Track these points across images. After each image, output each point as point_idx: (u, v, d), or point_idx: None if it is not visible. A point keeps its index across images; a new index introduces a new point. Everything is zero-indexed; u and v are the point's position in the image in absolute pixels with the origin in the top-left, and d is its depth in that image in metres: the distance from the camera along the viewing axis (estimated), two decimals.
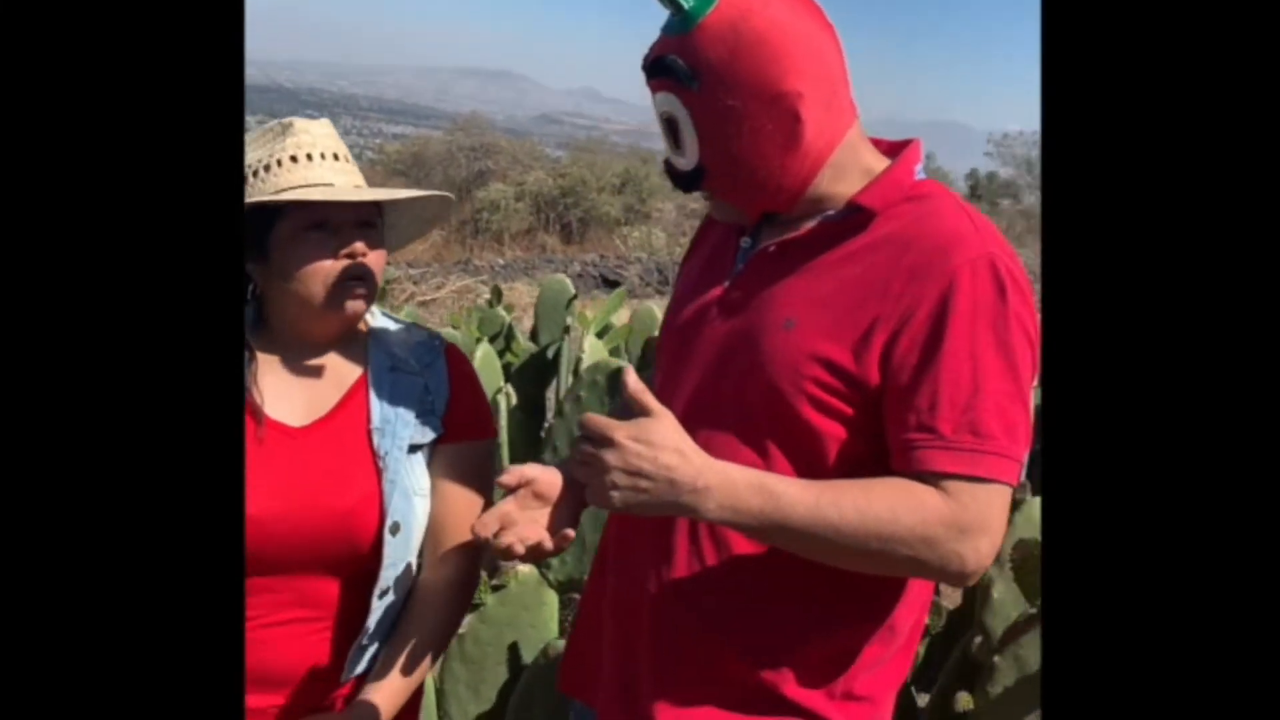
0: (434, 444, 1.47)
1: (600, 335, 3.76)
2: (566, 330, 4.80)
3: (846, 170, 1.27)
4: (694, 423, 1.24)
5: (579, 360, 3.55)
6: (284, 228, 1.39)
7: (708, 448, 1.18)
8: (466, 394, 1.51)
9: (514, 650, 2.08)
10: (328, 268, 1.39)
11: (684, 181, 1.32)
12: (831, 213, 1.27)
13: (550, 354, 4.85)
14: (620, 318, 6.47)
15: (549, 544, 1.31)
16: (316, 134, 1.43)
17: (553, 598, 2.08)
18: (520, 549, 1.29)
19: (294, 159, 1.40)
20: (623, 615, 1.34)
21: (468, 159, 24.04)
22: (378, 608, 1.41)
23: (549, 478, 1.37)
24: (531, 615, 2.06)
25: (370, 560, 1.40)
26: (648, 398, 1.16)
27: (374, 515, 1.39)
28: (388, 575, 1.40)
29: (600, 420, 1.14)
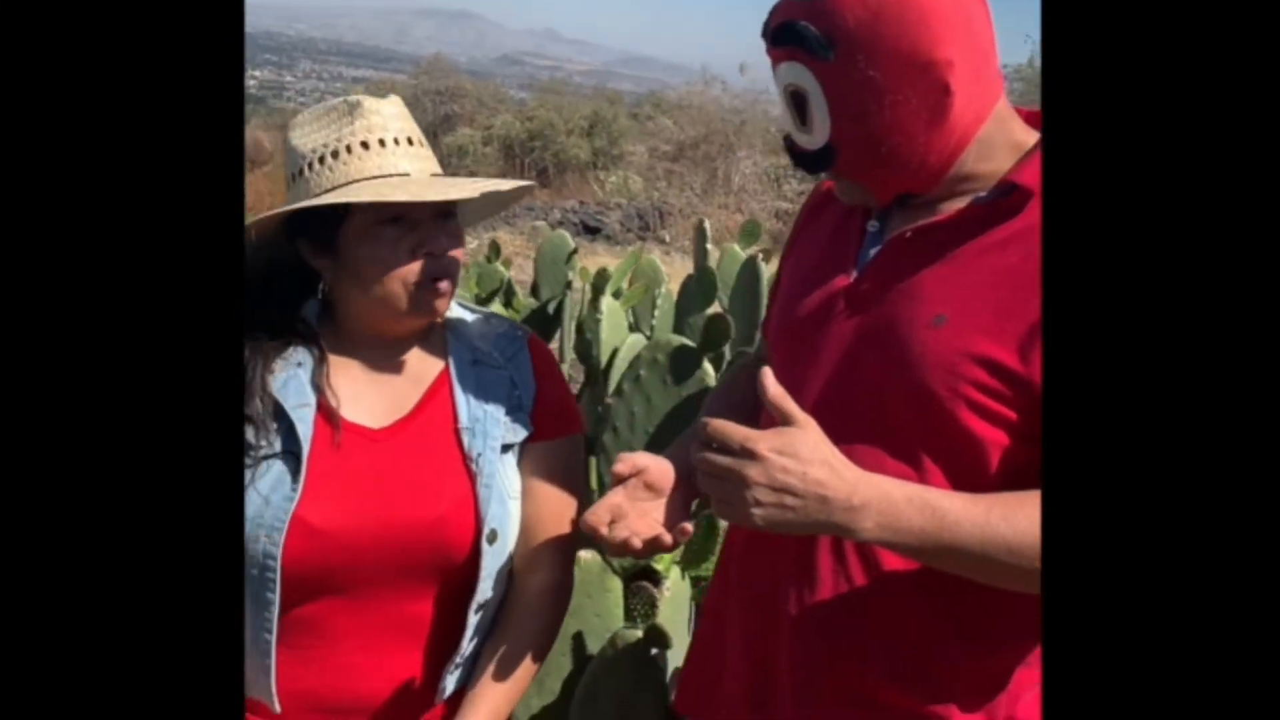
0: (523, 443, 1.34)
1: (615, 295, 3.61)
2: (568, 285, 4.69)
3: (995, 146, 1.14)
4: (833, 430, 1.11)
5: (598, 321, 3.41)
6: (356, 223, 1.25)
7: (851, 458, 1.07)
8: (552, 387, 1.39)
9: (578, 640, 1.96)
10: (407, 267, 1.25)
11: (810, 162, 1.18)
12: (981, 194, 1.14)
13: (551, 309, 4.73)
14: (598, 265, 6.34)
15: (667, 539, 1.21)
16: (387, 115, 1.28)
17: (617, 584, 1.96)
18: (637, 543, 1.19)
19: (365, 145, 1.26)
20: (755, 636, 1.23)
21: (433, 103, 23.69)
22: (473, 623, 1.29)
23: (660, 468, 1.26)
24: (595, 603, 1.94)
25: (464, 571, 1.28)
26: (790, 404, 1.04)
27: (468, 523, 1.27)
28: (485, 588, 1.28)
29: (737, 429, 1.01)
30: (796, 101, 1.15)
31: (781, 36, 1.13)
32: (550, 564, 1.34)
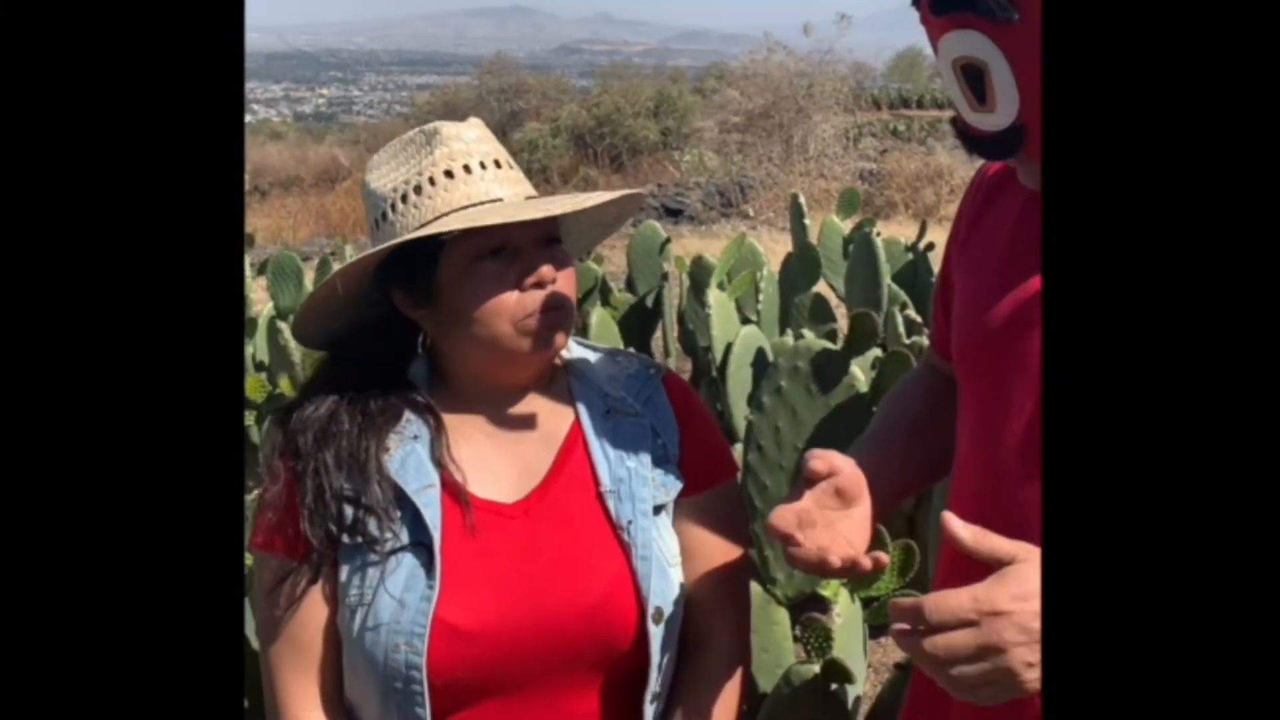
0: (676, 498, 1.16)
1: (720, 286, 3.41)
2: (665, 277, 4.51)
3: None
4: (1035, 467, 0.96)
5: (707, 317, 3.22)
6: (452, 260, 1.09)
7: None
8: (699, 428, 1.20)
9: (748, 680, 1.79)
10: (514, 301, 1.09)
11: (992, 146, 0.98)
12: None
13: (650, 302, 4.56)
14: (686, 249, 6.11)
15: (866, 564, 1.04)
16: (470, 140, 1.12)
17: (783, 615, 1.78)
18: (835, 562, 1.02)
19: (449, 174, 1.10)
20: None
21: (498, 101, 23.85)
22: (650, 713, 1.11)
23: (856, 474, 1.09)
24: (761, 637, 1.76)
25: (632, 658, 1.10)
26: (994, 540, 0.86)
27: (630, 602, 1.09)
28: (660, 676, 1.10)
29: (956, 597, 0.82)
30: (972, 76, 0.95)
31: (946, 2, 0.93)
32: (730, 630, 1.16)
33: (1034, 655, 0.81)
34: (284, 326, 3.79)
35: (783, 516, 1.03)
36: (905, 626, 0.86)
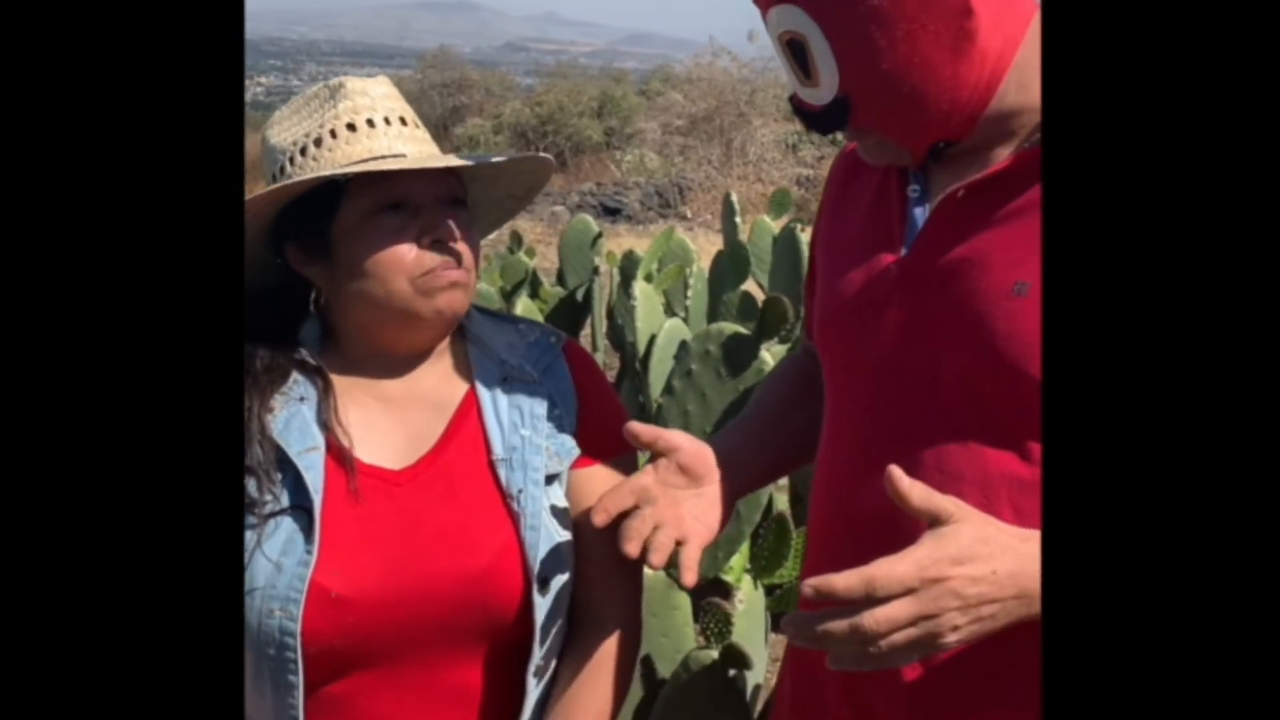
0: (571, 468, 1.14)
1: (647, 279, 3.41)
2: (595, 271, 4.50)
3: (1037, 71, 0.94)
4: (914, 435, 0.97)
5: (632, 308, 3.21)
6: (349, 212, 1.06)
7: (943, 466, 0.93)
8: (598, 399, 1.19)
9: (647, 664, 1.78)
10: (411, 257, 1.06)
11: (822, 120, 0.99)
12: (1036, 133, 0.96)
13: (580, 296, 4.55)
14: (621, 246, 6.12)
15: (694, 547, 1.03)
16: (375, 95, 1.10)
17: (685, 600, 1.78)
18: (658, 559, 1.01)
19: (351, 127, 1.07)
20: (855, 679, 1.04)
21: (441, 96, 23.65)
22: (534, 687, 1.09)
23: (699, 450, 1.08)
24: (662, 622, 1.76)
25: (516, 629, 1.08)
26: (937, 499, 0.85)
27: (515, 572, 1.07)
28: (542, 649, 1.09)
29: (896, 566, 0.81)
30: (795, 51, 0.97)
31: None
32: (619, 602, 1.15)
33: (962, 618, 0.82)
34: None
35: (615, 494, 1.03)
36: (794, 621, 0.86)
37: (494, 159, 1.11)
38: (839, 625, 0.82)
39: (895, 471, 0.85)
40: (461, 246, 1.08)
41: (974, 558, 0.82)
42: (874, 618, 0.81)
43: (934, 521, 0.84)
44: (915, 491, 0.84)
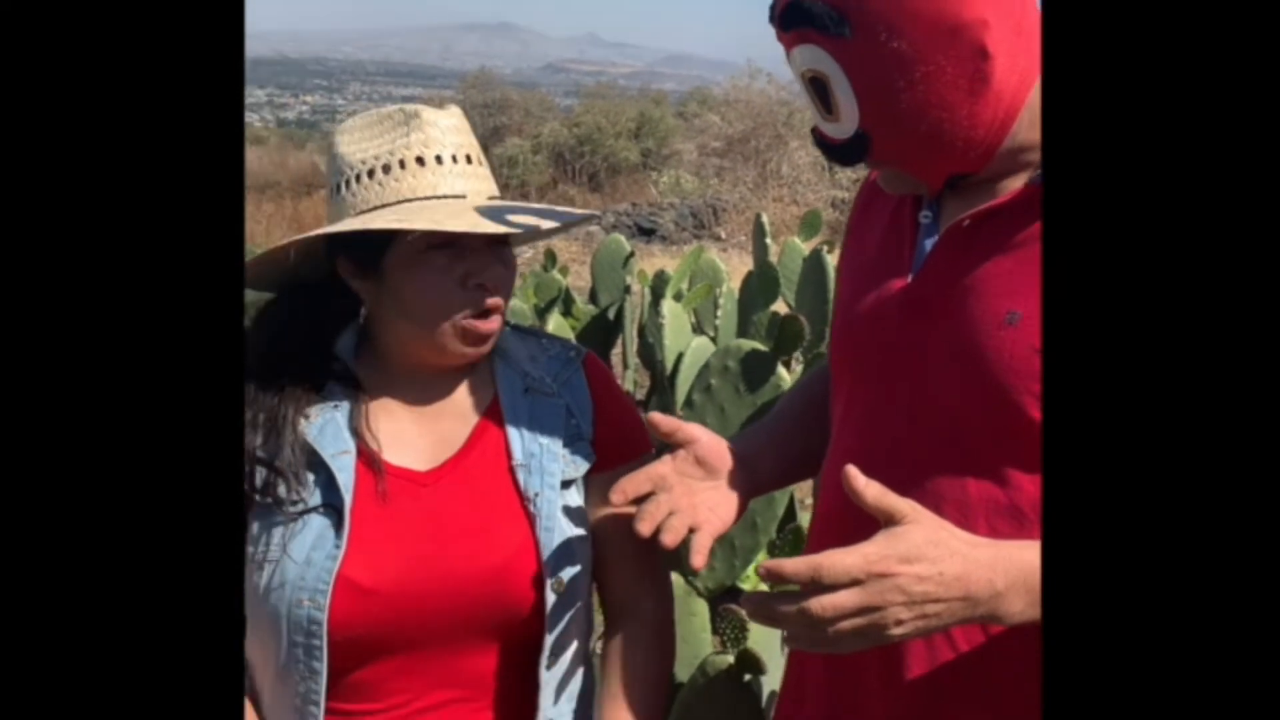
0: (587, 475, 1.21)
1: (676, 297, 3.48)
2: (627, 290, 4.57)
3: None
4: (904, 453, 1.01)
5: (661, 326, 3.28)
6: (403, 244, 1.12)
7: (926, 484, 0.96)
8: (613, 409, 1.26)
9: None
10: (454, 297, 1.13)
11: (842, 153, 1.04)
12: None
13: (611, 315, 4.62)
14: (655, 266, 6.19)
15: (705, 535, 1.06)
16: (445, 129, 1.15)
17: (702, 607, 1.83)
18: (669, 540, 1.05)
19: (420, 161, 1.13)
20: (838, 673, 1.09)
21: (481, 116, 23.85)
22: (548, 680, 1.16)
23: (715, 444, 1.13)
24: (680, 628, 1.81)
25: (531, 623, 1.15)
26: (891, 499, 0.90)
27: (530, 570, 1.14)
28: (554, 641, 1.16)
29: (845, 557, 0.86)
30: (817, 88, 1.01)
31: (790, 18, 0.99)
32: (652, 599, 1.23)
33: (907, 613, 0.86)
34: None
35: (632, 480, 1.07)
36: (760, 592, 0.91)
37: (542, 225, 1.15)
38: (789, 607, 0.87)
39: (851, 470, 0.90)
40: (501, 290, 1.15)
41: (922, 558, 0.86)
42: (820, 603, 0.86)
43: (888, 521, 0.89)
44: (870, 490, 0.89)
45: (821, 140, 1.06)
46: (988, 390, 0.96)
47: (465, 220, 1.08)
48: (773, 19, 1.02)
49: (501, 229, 1.09)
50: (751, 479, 1.15)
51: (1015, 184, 1.01)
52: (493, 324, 1.15)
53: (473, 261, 1.13)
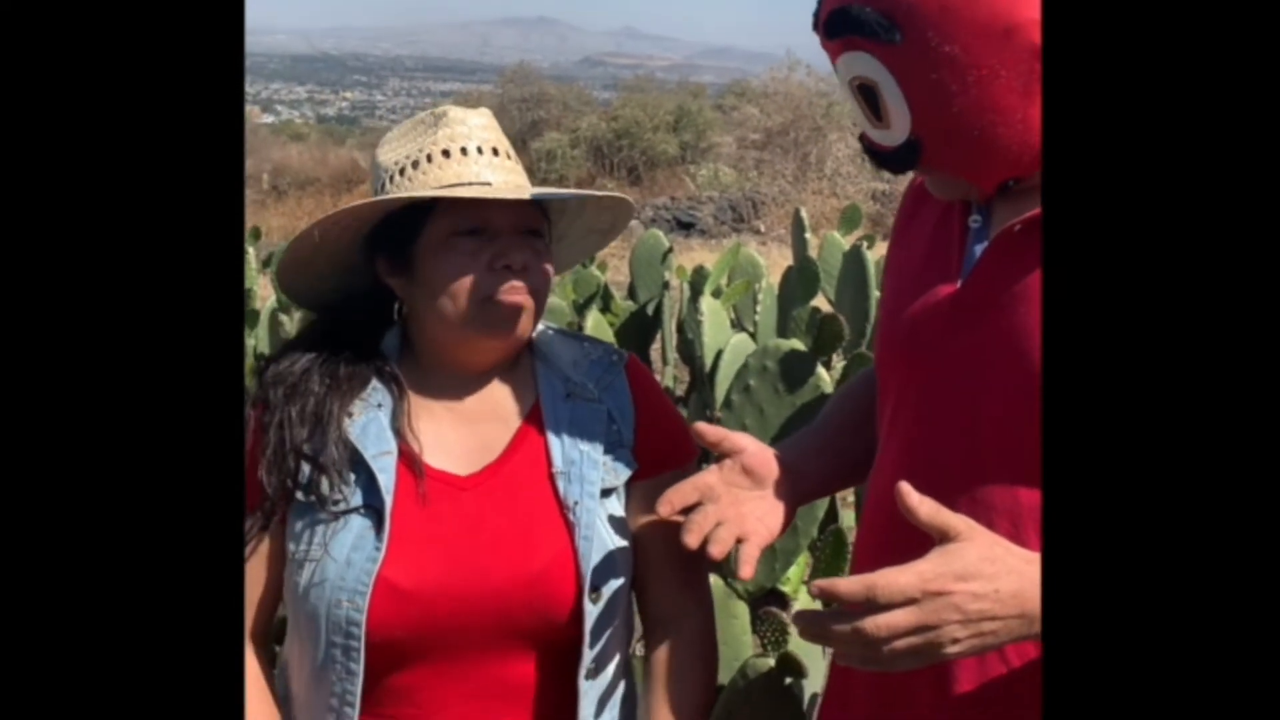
0: (629, 482, 1.20)
1: (715, 293, 3.46)
2: (665, 285, 4.55)
3: None
4: (953, 463, 0.99)
5: (700, 322, 3.26)
6: (432, 233, 1.14)
7: (977, 494, 0.94)
8: (656, 415, 1.25)
9: None
10: (481, 281, 1.13)
11: (893, 160, 1.01)
12: None
13: (650, 311, 4.61)
14: (694, 261, 6.16)
15: (753, 546, 1.06)
16: (473, 125, 1.18)
17: (743, 609, 1.82)
18: (717, 551, 1.04)
19: (445, 153, 1.15)
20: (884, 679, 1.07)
21: (520, 110, 23.89)
22: (589, 690, 1.15)
23: (763, 453, 1.12)
24: (721, 631, 1.80)
25: (569, 631, 1.14)
26: (945, 515, 0.88)
27: (568, 578, 1.13)
28: (593, 652, 1.14)
29: (899, 577, 0.85)
30: (866, 95, 0.98)
31: (836, 26, 0.96)
32: (695, 606, 1.22)
33: (963, 632, 0.85)
34: (286, 320, 3.85)
35: (679, 490, 1.06)
36: (814, 611, 0.90)
37: (563, 193, 1.17)
38: (843, 626, 0.86)
39: (904, 487, 0.88)
40: (531, 275, 1.14)
41: (978, 575, 0.85)
42: (875, 623, 0.84)
43: (942, 538, 0.87)
44: (923, 507, 0.88)
45: (871, 147, 1.03)
46: (1039, 398, 0.93)
47: (475, 190, 1.10)
48: (816, 26, 1.00)
49: (516, 194, 1.10)
50: (798, 487, 1.14)
51: None
52: (515, 296, 1.13)
53: (500, 246, 1.13)
